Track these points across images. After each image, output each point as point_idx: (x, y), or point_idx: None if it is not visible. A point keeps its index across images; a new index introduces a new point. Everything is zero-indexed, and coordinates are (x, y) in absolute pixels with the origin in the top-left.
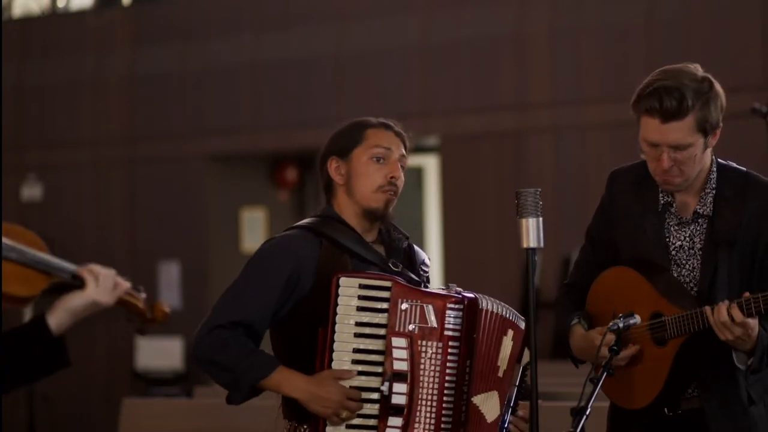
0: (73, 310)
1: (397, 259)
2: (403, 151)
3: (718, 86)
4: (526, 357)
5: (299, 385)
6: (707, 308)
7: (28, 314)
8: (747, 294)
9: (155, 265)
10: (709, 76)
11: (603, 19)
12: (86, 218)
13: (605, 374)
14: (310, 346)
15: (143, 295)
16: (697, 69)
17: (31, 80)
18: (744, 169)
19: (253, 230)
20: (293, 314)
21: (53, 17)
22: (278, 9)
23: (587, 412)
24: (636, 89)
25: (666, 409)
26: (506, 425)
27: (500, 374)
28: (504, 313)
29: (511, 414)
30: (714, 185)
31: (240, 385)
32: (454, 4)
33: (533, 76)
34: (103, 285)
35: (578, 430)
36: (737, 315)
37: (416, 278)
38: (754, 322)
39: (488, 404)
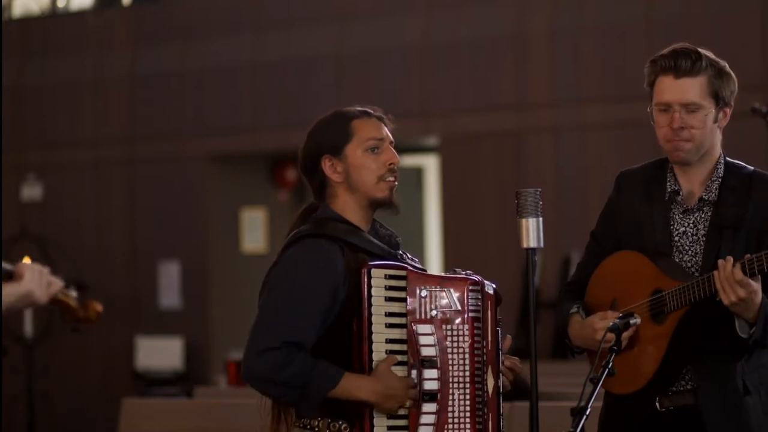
0: (6, 299)
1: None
2: (390, 136)
3: (732, 74)
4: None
5: (369, 387)
6: (714, 272)
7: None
8: (748, 255)
9: (155, 265)
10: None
11: (603, 19)
12: (86, 218)
13: (606, 374)
14: (343, 344)
15: (75, 294)
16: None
17: (31, 80)
18: (751, 167)
19: (253, 230)
20: (332, 322)
21: (53, 17)
22: (278, 9)
23: (587, 412)
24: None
25: (658, 404)
26: (501, 389)
27: (490, 347)
28: (488, 289)
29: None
30: (721, 175)
31: (312, 399)
32: (454, 4)
33: (533, 76)
34: (38, 279)
35: (578, 430)
36: (738, 273)
37: (422, 267)
38: (757, 285)
39: (488, 378)
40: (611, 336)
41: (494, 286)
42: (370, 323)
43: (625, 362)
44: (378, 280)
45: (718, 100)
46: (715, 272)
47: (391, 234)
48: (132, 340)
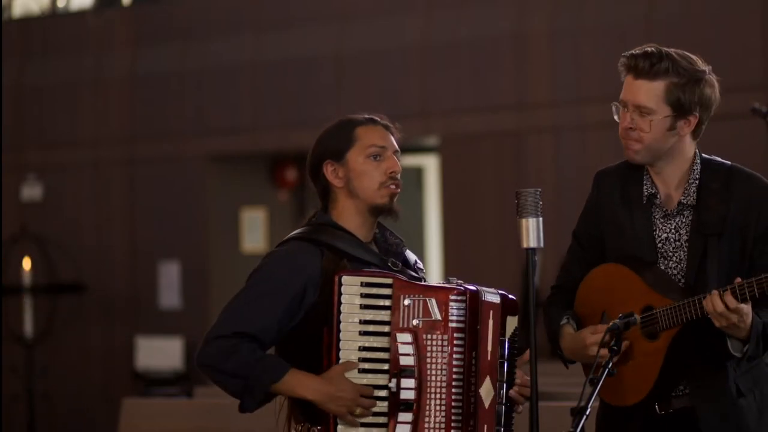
0: None
1: (396, 260)
2: (395, 145)
3: (714, 85)
4: (509, 325)
5: (313, 386)
6: (705, 298)
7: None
8: (739, 279)
9: (155, 265)
10: (713, 76)
11: (603, 19)
12: (86, 218)
13: (605, 374)
14: (315, 351)
15: None
16: (706, 65)
17: (31, 80)
18: (728, 162)
19: (253, 230)
20: (300, 325)
21: (53, 17)
22: (278, 9)
23: (587, 412)
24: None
25: (657, 407)
26: (503, 401)
27: (489, 357)
28: (489, 298)
29: (508, 387)
30: (697, 176)
31: (253, 391)
32: (454, 4)
33: (533, 76)
34: None
35: (578, 430)
36: (730, 301)
37: (415, 275)
38: (747, 308)
39: (486, 390)
40: (605, 352)
41: (502, 293)
42: (339, 330)
43: (620, 377)
44: (351, 288)
45: (679, 108)
46: (705, 302)
47: (399, 243)
48: (132, 340)
